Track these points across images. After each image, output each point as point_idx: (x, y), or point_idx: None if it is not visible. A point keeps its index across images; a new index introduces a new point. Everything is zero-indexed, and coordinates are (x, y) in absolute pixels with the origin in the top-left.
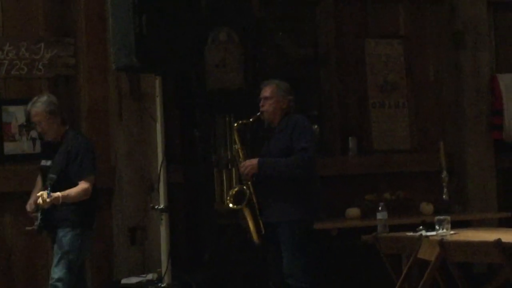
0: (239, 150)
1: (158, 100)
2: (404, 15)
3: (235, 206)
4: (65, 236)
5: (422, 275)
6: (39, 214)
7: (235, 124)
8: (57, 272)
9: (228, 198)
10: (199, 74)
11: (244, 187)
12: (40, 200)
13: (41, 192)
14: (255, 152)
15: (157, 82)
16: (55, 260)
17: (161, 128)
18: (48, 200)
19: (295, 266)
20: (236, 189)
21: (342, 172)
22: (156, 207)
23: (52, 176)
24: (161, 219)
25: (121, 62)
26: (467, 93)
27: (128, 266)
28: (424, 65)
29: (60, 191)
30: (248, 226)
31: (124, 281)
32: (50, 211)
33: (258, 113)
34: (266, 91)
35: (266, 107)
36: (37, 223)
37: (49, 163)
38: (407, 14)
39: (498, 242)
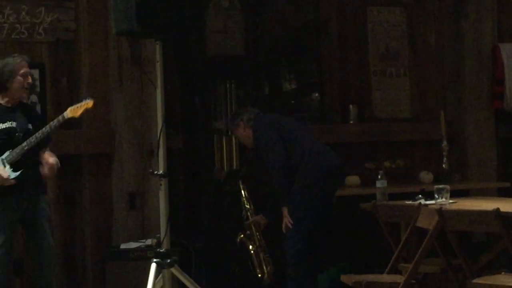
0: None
1: (158, 66)
2: None
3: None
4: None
5: (420, 244)
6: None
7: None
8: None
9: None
10: (200, 40)
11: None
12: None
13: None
14: None
15: (158, 48)
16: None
17: (161, 93)
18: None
19: None
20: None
21: (342, 140)
22: (156, 172)
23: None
24: (160, 185)
25: (121, 27)
26: (468, 62)
27: (127, 231)
28: (426, 33)
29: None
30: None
31: (123, 246)
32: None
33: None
34: None
35: None
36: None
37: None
38: None
39: (497, 211)
